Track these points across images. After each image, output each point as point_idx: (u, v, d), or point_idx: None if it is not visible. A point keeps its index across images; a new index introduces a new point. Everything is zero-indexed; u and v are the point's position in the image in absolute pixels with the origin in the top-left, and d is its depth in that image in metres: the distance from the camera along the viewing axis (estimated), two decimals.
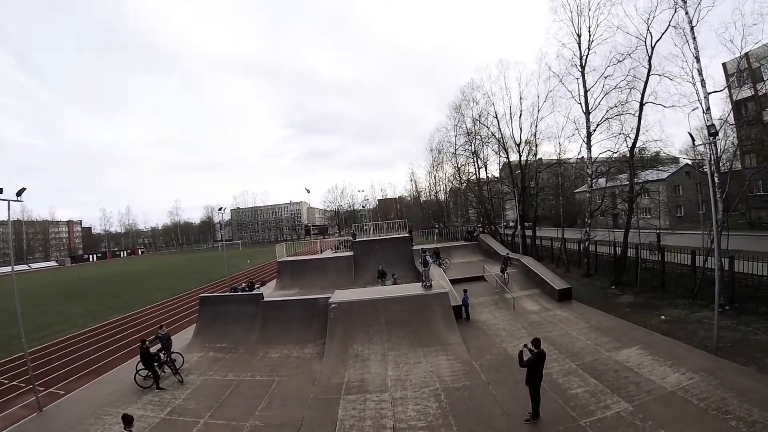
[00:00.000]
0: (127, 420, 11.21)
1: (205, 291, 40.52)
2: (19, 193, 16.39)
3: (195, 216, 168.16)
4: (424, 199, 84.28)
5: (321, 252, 46.04)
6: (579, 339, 18.66)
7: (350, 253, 37.93)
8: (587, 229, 34.92)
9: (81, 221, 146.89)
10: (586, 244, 33.43)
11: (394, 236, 40.67)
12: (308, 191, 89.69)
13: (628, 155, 29.40)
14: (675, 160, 52.30)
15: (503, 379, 15.61)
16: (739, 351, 15.01)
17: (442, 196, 73.78)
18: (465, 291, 24.13)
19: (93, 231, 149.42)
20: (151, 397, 16.87)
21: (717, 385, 12.74)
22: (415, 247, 36.63)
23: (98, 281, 61.83)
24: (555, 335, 19.38)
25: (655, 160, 38.10)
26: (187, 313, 34.24)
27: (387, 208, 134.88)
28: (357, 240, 40.26)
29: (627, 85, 28.87)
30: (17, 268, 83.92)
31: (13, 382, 20.56)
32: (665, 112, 27.88)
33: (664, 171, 45.43)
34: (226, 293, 29.89)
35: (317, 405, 15.28)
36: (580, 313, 22.21)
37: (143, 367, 17.92)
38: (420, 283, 25.32)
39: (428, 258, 25.25)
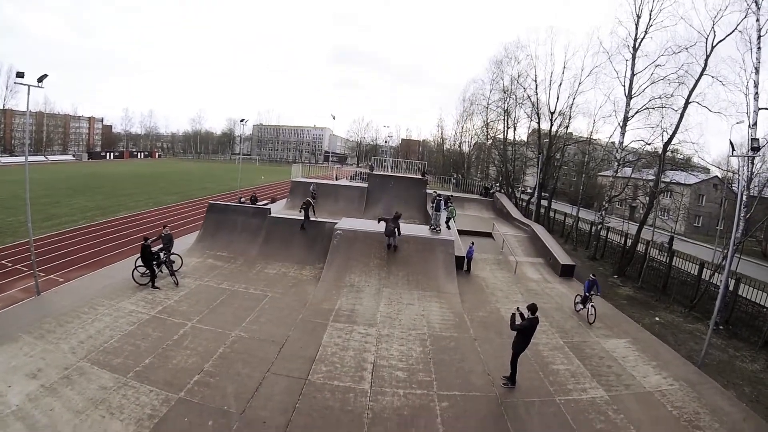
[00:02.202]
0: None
1: (214, 200, 40.99)
2: (40, 79, 16.23)
3: (217, 126, 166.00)
4: (448, 147, 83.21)
5: (336, 179, 45.91)
6: (572, 318, 18.52)
7: (364, 185, 37.57)
8: (603, 212, 34.66)
9: (102, 119, 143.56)
10: (599, 227, 33.21)
11: (411, 176, 40.34)
12: (334, 117, 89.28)
13: (660, 150, 28.83)
14: (706, 170, 51.29)
15: (491, 338, 15.68)
16: (723, 373, 14.80)
17: (465, 148, 72.95)
18: (472, 244, 23.91)
19: (113, 130, 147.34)
20: (144, 294, 17.29)
21: (694, 398, 12.61)
22: (429, 191, 36.39)
23: (112, 179, 62.06)
24: (549, 308, 19.19)
25: (687, 164, 37.41)
26: (193, 218, 34.74)
27: (409, 149, 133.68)
28: (374, 173, 39.95)
29: (677, 79, 28.36)
30: (34, 159, 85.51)
31: (16, 266, 21.14)
32: (709, 117, 27.38)
33: (693, 175, 44.57)
34: (235, 203, 30.11)
35: (304, 327, 15.56)
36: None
37: (142, 264, 18.17)
38: (428, 227, 25.31)
39: (441, 203, 25.02)
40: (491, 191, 45.84)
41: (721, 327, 18.75)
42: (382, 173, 41.19)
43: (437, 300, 19.03)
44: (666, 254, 25.33)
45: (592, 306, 18.23)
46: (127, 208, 38.07)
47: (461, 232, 27.27)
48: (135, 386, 11.26)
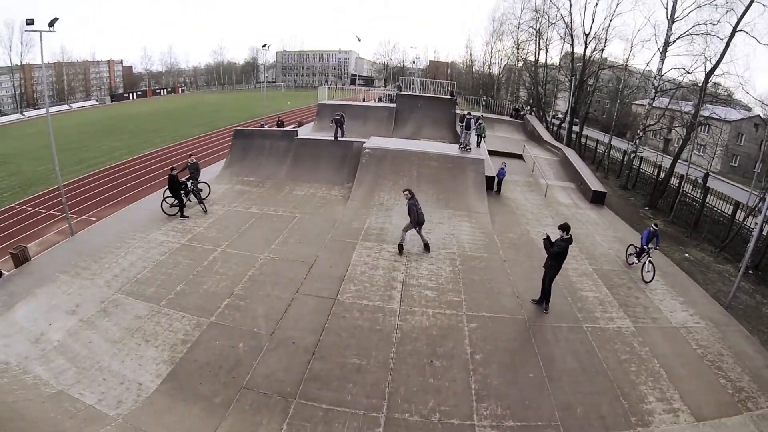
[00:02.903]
0: None
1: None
2: (51, 23, 16.13)
3: (239, 56, 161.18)
4: (477, 69, 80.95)
5: (364, 101, 45.13)
6: (602, 245, 18.06)
7: (393, 105, 36.67)
8: (637, 141, 33.57)
9: (122, 60, 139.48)
10: (632, 156, 32.25)
11: (440, 96, 39.23)
12: (359, 39, 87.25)
13: (700, 81, 27.18)
14: (747, 108, 48.95)
15: (521, 260, 15.48)
16: (749, 318, 14.17)
17: (495, 70, 70.62)
18: (504, 165, 23.26)
19: (134, 70, 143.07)
20: (174, 224, 17.46)
21: (719, 339, 12.25)
22: (458, 112, 35.45)
23: (136, 118, 61.50)
24: (579, 233, 18.29)
25: (729, 99, 35.72)
26: (219, 147, 34.92)
27: (437, 71, 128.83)
28: (402, 93, 38.76)
29: (725, 4, 26.11)
30: (58, 108, 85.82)
31: (50, 211, 21.90)
32: (757, 49, 25.75)
33: (734, 109, 42.53)
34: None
35: (333, 246, 15.57)
36: (608, 221, 21.40)
37: (170, 195, 18.19)
38: (457, 145, 24.77)
39: (471, 122, 24.29)
40: (522, 113, 44.53)
41: (750, 271, 18.06)
42: (410, 93, 39.98)
43: (467, 220, 18.78)
44: (700, 191, 24.59)
45: (650, 261, 15.03)
46: (153, 145, 38.45)
47: (491, 153, 26.63)
48: (168, 313, 11.60)
